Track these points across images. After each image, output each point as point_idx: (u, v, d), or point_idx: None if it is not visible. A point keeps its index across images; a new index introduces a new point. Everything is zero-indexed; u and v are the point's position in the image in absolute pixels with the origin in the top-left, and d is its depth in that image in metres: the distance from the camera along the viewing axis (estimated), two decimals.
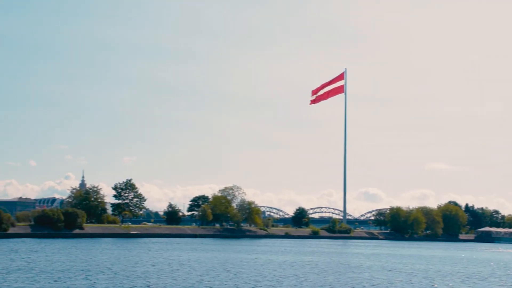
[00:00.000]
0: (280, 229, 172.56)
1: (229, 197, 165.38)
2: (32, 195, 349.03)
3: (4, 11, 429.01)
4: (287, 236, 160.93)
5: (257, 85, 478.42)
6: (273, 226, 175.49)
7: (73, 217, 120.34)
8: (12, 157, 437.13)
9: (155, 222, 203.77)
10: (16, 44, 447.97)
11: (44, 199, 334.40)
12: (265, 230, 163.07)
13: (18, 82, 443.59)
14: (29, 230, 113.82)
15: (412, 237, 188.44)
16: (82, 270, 49.86)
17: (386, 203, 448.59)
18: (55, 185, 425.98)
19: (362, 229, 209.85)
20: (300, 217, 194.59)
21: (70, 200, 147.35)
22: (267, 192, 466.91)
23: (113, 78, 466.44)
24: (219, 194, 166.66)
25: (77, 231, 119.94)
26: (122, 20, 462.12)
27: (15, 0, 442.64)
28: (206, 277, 46.53)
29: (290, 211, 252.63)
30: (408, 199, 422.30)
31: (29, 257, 61.75)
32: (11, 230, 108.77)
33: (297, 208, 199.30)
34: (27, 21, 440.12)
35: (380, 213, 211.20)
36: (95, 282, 41.20)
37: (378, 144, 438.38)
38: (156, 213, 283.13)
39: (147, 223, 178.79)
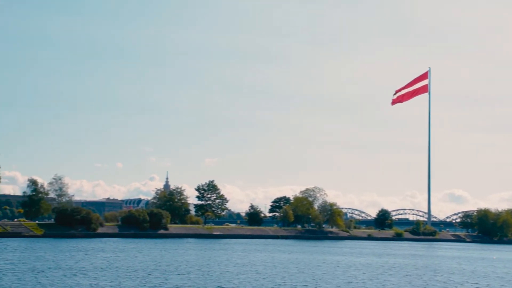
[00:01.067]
0: (363, 231, 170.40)
1: (310, 199, 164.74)
2: (119, 196, 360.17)
3: (84, 15, 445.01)
4: (369, 238, 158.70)
5: (339, 86, 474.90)
6: (355, 227, 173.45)
7: (158, 218, 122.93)
8: (100, 160, 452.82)
9: (236, 223, 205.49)
10: (100, 50, 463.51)
11: (130, 200, 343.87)
12: (347, 231, 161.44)
13: (107, 87, 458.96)
14: (116, 230, 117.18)
15: (501, 240, 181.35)
16: (160, 269, 50.75)
17: (472, 205, 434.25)
18: (141, 186, 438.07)
19: (448, 231, 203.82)
20: (383, 219, 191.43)
21: (155, 201, 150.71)
22: (348, 193, 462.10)
23: (197, 82, 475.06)
24: (301, 196, 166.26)
25: (161, 231, 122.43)
26: (211, 25, 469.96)
27: (89, 4, 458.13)
28: (288, 279, 46.25)
29: (372, 213, 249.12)
30: (496, 201, 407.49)
31: (116, 256, 63.42)
32: (100, 230, 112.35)
33: (380, 209, 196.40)
34: (103, 24, 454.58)
35: (466, 215, 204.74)
36: (170, 282, 41.74)
37: (463, 144, 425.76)
38: (238, 214, 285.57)
39: (230, 224, 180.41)
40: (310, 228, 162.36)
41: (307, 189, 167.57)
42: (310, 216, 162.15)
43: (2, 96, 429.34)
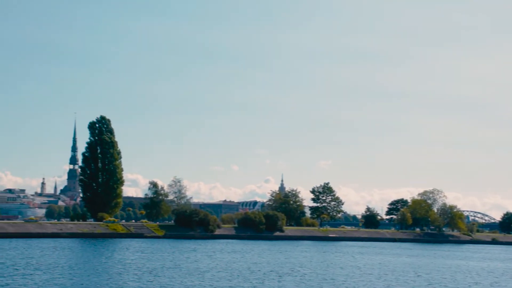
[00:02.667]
0: (486, 235, 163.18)
1: (429, 201, 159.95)
2: (235, 198, 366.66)
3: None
4: (494, 242, 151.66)
5: (458, 84, 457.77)
6: (477, 231, 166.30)
7: (274, 220, 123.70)
8: (217, 162, 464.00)
9: (352, 225, 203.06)
10: (208, 52, 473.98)
11: (246, 202, 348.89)
12: (469, 235, 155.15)
13: (222, 90, 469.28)
14: (233, 232, 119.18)
15: None
16: (272, 270, 50.89)
17: None
18: (256, 188, 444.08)
19: None
20: (509, 222, 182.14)
21: (270, 203, 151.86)
22: (469, 195, 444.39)
23: (311, 84, 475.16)
24: (419, 198, 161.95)
25: (277, 233, 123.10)
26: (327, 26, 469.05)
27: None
28: (404, 283, 44.85)
29: (496, 216, 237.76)
30: None
31: (233, 257, 64.33)
32: (217, 232, 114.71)
33: (505, 212, 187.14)
34: (214, 26, 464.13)
35: None
36: (284, 284, 41.59)
37: None
38: (354, 217, 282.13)
39: (345, 227, 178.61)
40: (429, 231, 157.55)
41: (425, 191, 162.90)
42: (429, 219, 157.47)
43: (130, 104, 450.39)
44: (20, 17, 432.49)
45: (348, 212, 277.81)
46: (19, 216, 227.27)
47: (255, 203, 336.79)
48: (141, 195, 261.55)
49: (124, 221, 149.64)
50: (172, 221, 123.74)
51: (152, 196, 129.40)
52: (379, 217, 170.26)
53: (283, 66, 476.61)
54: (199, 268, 50.60)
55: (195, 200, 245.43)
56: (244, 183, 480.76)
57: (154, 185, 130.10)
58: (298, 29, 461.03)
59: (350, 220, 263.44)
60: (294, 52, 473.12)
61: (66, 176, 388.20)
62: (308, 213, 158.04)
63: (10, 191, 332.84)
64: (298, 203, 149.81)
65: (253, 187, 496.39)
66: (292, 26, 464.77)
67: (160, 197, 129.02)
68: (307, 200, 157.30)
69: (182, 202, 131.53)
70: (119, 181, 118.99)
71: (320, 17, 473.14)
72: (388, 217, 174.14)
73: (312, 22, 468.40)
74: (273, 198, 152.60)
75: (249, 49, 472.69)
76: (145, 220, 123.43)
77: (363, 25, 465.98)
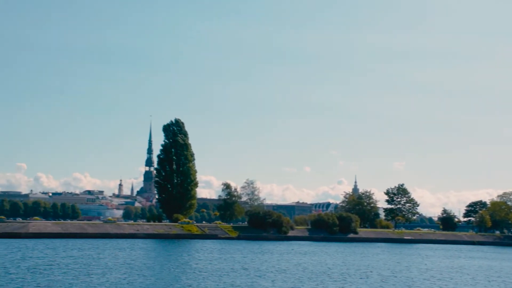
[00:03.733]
0: None
1: (509, 203, 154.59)
2: (308, 200, 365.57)
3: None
4: None
5: None
6: None
7: (347, 222, 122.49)
8: (289, 164, 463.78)
9: (428, 227, 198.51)
10: (281, 53, 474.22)
11: (319, 204, 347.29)
12: None
13: (293, 91, 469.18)
14: (306, 233, 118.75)
15: None
16: (341, 272, 50.32)
17: None
18: (329, 190, 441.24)
19: None
20: None
21: (343, 204, 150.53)
22: None
23: (383, 84, 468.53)
24: (498, 200, 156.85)
25: (351, 235, 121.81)
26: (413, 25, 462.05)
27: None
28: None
29: None
30: None
31: (304, 259, 64.05)
32: (290, 233, 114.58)
33: None
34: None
35: None
36: (347, 286, 40.97)
37: None
38: (430, 219, 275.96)
39: (421, 229, 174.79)
40: (510, 234, 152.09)
41: (505, 193, 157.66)
42: (509, 222, 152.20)
43: (205, 106, 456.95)
44: (98, 22, 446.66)
45: (423, 214, 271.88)
46: (101, 216, 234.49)
47: (328, 204, 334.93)
48: (214, 196, 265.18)
49: (201, 222, 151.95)
50: (246, 223, 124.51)
51: (225, 197, 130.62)
52: (456, 220, 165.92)
53: (357, 67, 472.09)
54: (270, 269, 50.59)
55: (268, 201, 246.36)
56: (317, 185, 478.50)
57: (227, 186, 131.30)
58: (372, 29, 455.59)
59: (426, 222, 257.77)
60: (368, 52, 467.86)
61: (142, 178, 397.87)
62: (382, 215, 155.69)
63: (89, 192, 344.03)
64: (372, 205, 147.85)
65: (326, 188, 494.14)
66: (366, 26, 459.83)
67: (234, 199, 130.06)
68: (381, 201, 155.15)
69: (255, 203, 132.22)
70: (193, 183, 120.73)
71: (396, 17, 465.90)
72: (465, 219, 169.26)
73: (386, 22, 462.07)
74: (346, 199, 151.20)
75: (322, 50, 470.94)
76: (219, 222, 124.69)
77: (444, 25, 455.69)
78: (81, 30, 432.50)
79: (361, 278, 47.10)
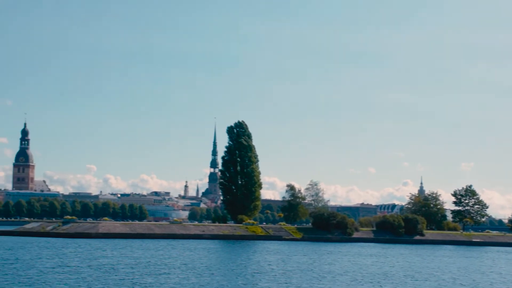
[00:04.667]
0: None
1: None
2: (372, 201, 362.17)
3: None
4: None
5: None
6: None
7: (413, 223, 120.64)
8: (354, 165, 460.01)
9: (498, 230, 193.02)
10: (335, 54, 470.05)
11: (385, 205, 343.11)
12: None
13: (358, 93, 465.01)
14: (371, 235, 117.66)
15: None
16: (407, 275, 49.81)
17: None
18: (394, 191, 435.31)
19: None
20: None
21: (409, 206, 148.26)
22: None
23: (448, 83, 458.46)
24: None
25: (417, 237, 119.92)
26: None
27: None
28: None
29: None
30: None
31: (367, 261, 63.71)
32: (355, 235, 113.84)
33: None
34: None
35: None
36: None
37: None
38: (500, 221, 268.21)
39: (491, 231, 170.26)
40: None
41: None
42: None
43: (268, 108, 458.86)
44: (162, 25, 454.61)
45: (493, 216, 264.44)
46: (170, 218, 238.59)
47: (393, 206, 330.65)
48: (278, 198, 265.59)
49: (266, 223, 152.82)
50: (310, 224, 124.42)
51: (289, 199, 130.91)
52: None
53: (424, 67, 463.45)
54: (332, 271, 50.66)
55: (332, 203, 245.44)
56: (382, 186, 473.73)
57: (291, 188, 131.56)
58: (439, 27, 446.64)
59: (496, 225, 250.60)
60: (435, 52, 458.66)
61: (207, 179, 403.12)
62: (449, 216, 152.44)
63: (156, 193, 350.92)
64: (438, 207, 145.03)
65: (391, 190, 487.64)
66: (434, 25, 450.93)
67: (298, 200, 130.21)
68: (448, 203, 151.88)
69: (320, 205, 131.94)
70: (257, 184, 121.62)
71: (472, 15, 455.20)
72: None
73: (462, 20, 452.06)
74: (412, 201, 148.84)
75: (386, 49, 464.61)
76: (283, 223, 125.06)
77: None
78: (145, 33, 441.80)
79: (425, 280, 46.60)
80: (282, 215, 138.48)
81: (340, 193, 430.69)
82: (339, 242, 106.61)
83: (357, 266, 56.59)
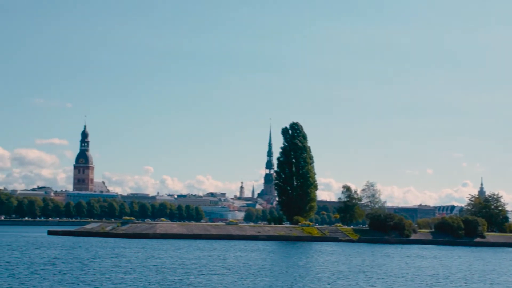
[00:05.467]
0: None
1: None
2: (430, 202, 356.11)
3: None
4: None
5: None
6: None
7: (473, 225, 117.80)
8: (411, 166, 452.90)
9: None
10: (404, 55, 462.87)
11: (443, 207, 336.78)
12: None
13: (415, 92, 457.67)
14: (429, 237, 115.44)
15: None
16: (462, 277, 48.71)
17: None
18: (452, 192, 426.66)
19: None
20: None
21: (469, 207, 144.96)
22: None
23: (510, 82, 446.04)
24: None
25: (477, 239, 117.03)
26: None
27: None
28: None
29: None
30: None
31: (423, 263, 62.49)
32: (413, 237, 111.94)
33: None
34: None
35: None
36: None
37: None
38: None
39: None
40: None
41: None
42: None
43: (324, 109, 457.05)
44: (221, 28, 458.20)
45: None
46: (228, 219, 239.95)
47: (452, 207, 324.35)
48: (334, 199, 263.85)
49: (322, 224, 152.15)
50: (366, 225, 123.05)
51: (345, 200, 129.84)
52: None
53: (485, 66, 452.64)
54: (389, 273, 49.91)
55: (388, 204, 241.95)
56: (440, 187, 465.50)
57: (347, 189, 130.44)
58: (492, 27, 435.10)
59: None
60: (498, 50, 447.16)
61: (262, 180, 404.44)
62: (511, 218, 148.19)
63: (212, 194, 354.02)
64: (499, 208, 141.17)
65: (450, 191, 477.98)
66: (484, 24, 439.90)
67: (354, 201, 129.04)
68: (510, 204, 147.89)
69: (376, 206, 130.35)
70: (313, 185, 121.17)
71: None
72: None
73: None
74: (472, 202, 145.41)
75: (441, 48, 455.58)
76: (339, 224, 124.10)
77: None
78: (202, 34, 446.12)
79: (483, 283, 45.38)
80: (338, 216, 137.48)
81: (397, 194, 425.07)
82: (397, 244, 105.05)
83: (415, 268, 55.57)
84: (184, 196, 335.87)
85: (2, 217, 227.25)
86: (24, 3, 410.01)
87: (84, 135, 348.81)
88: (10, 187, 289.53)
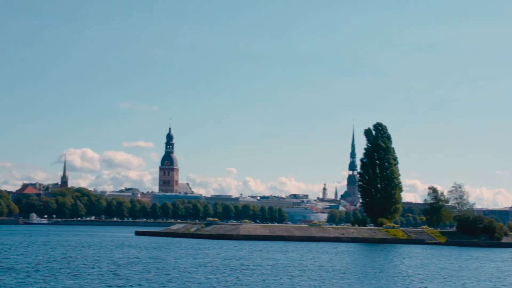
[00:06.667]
0: None
1: None
2: None
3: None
4: None
5: None
6: None
7: None
8: (501, 166, 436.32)
9: None
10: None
11: None
12: None
13: (502, 91, 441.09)
14: None
15: None
16: None
17: None
18: None
19: None
20: None
21: None
22: None
23: None
24: None
25: None
26: None
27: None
28: None
29: None
30: None
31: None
32: (504, 240, 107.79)
33: None
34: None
35: None
36: None
37: None
38: None
39: None
40: None
41: None
42: None
43: (408, 109, 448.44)
44: (301, 29, 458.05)
45: None
46: (311, 220, 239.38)
47: None
48: (419, 200, 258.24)
49: (407, 226, 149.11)
50: (454, 228, 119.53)
51: (431, 201, 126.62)
52: None
53: None
54: (476, 277, 48.20)
55: (477, 206, 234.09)
56: None
57: (433, 190, 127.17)
58: None
59: None
60: None
61: (345, 182, 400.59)
62: None
63: (295, 196, 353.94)
64: None
65: None
66: None
67: (440, 203, 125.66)
68: None
69: (464, 208, 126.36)
70: (397, 187, 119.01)
71: None
72: None
73: None
74: None
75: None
76: (425, 226, 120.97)
77: None
78: (284, 36, 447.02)
79: None
80: (424, 218, 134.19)
81: (486, 196, 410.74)
82: (486, 247, 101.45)
83: (505, 273, 53.31)
84: (267, 197, 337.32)
85: (93, 218, 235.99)
86: (110, 10, 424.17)
87: (169, 137, 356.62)
88: (99, 189, 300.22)
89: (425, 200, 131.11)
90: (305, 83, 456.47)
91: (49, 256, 57.00)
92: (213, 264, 51.62)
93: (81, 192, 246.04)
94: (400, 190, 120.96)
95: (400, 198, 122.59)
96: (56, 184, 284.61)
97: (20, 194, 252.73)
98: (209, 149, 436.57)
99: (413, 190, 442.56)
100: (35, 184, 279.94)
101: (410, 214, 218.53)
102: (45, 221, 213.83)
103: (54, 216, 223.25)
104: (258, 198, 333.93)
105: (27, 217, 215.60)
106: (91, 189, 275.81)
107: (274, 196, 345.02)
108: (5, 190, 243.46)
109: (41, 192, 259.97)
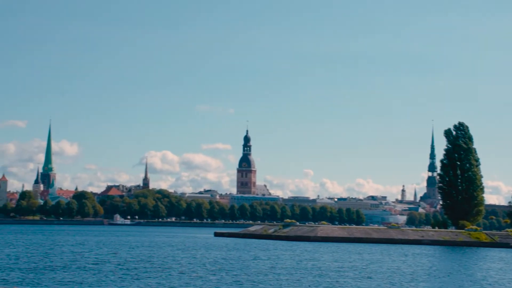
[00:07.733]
0: None
1: None
2: None
3: None
4: None
5: None
6: None
7: None
8: None
9: None
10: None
11: None
12: None
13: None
14: None
15: None
16: None
17: None
18: None
19: None
20: None
21: None
22: None
23: None
24: None
25: None
26: None
27: None
28: None
29: None
30: None
31: None
32: None
33: None
34: None
35: None
36: None
37: None
38: None
39: None
40: None
41: None
42: None
43: (482, 109, 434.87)
44: (371, 30, 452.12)
45: None
46: (389, 223, 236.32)
47: None
48: (503, 203, 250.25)
49: (490, 229, 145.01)
50: None
51: None
52: None
53: None
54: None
55: None
56: None
57: None
58: None
59: None
60: None
61: (425, 183, 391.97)
62: None
63: (373, 198, 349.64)
64: None
65: None
66: None
67: None
68: None
69: None
70: (479, 188, 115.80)
71: None
72: None
73: None
74: None
75: None
76: (510, 230, 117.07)
77: None
78: (350, 37, 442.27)
79: None
80: (508, 221, 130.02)
81: None
82: None
83: None
84: (345, 199, 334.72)
85: (173, 219, 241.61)
86: (190, 14, 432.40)
87: (246, 139, 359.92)
88: (179, 190, 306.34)
89: (509, 202, 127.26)
90: (383, 83, 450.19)
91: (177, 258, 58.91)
92: (285, 265, 52.12)
93: (162, 194, 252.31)
94: (482, 191, 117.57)
95: (483, 200, 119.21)
96: (138, 185, 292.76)
97: (104, 195, 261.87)
98: (285, 150, 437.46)
99: (496, 192, 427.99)
100: (118, 186, 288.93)
101: (493, 217, 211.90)
102: (128, 222, 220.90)
103: (137, 217, 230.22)
104: (336, 199, 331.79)
105: (111, 218, 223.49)
106: (171, 190, 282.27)
107: (352, 198, 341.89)
108: (91, 192, 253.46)
109: (124, 193, 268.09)
